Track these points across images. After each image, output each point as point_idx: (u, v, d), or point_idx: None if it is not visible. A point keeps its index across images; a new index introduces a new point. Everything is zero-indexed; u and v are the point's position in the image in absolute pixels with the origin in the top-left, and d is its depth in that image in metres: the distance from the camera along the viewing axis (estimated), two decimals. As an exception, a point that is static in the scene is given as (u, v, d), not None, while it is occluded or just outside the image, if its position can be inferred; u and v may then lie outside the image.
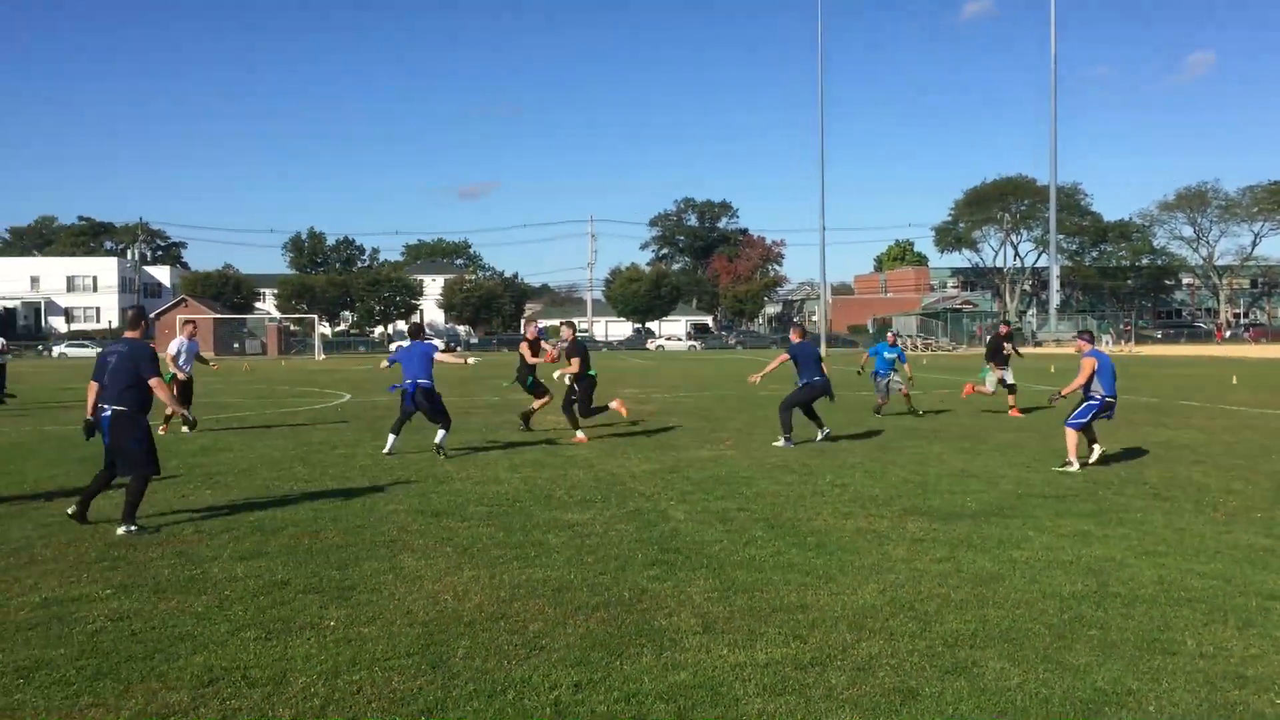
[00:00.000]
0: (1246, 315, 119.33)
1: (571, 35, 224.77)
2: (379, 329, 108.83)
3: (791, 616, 6.15)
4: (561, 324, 17.24)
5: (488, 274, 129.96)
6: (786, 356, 15.50)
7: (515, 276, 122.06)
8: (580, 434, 15.73)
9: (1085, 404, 12.53)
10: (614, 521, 9.14)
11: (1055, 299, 76.86)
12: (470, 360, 15.69)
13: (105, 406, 8.85)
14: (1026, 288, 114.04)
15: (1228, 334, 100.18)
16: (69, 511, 9.12)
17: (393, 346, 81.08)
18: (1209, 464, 12.65)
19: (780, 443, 14.78)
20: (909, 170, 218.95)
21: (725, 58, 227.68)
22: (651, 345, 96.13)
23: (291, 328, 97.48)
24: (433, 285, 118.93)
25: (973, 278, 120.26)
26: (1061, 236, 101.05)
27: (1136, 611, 6.21)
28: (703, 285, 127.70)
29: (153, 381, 8.93)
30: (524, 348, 17.13)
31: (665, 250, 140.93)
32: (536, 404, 17.34)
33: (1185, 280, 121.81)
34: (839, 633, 5.83)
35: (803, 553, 7.84)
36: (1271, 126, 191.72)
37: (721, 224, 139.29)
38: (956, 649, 5.53)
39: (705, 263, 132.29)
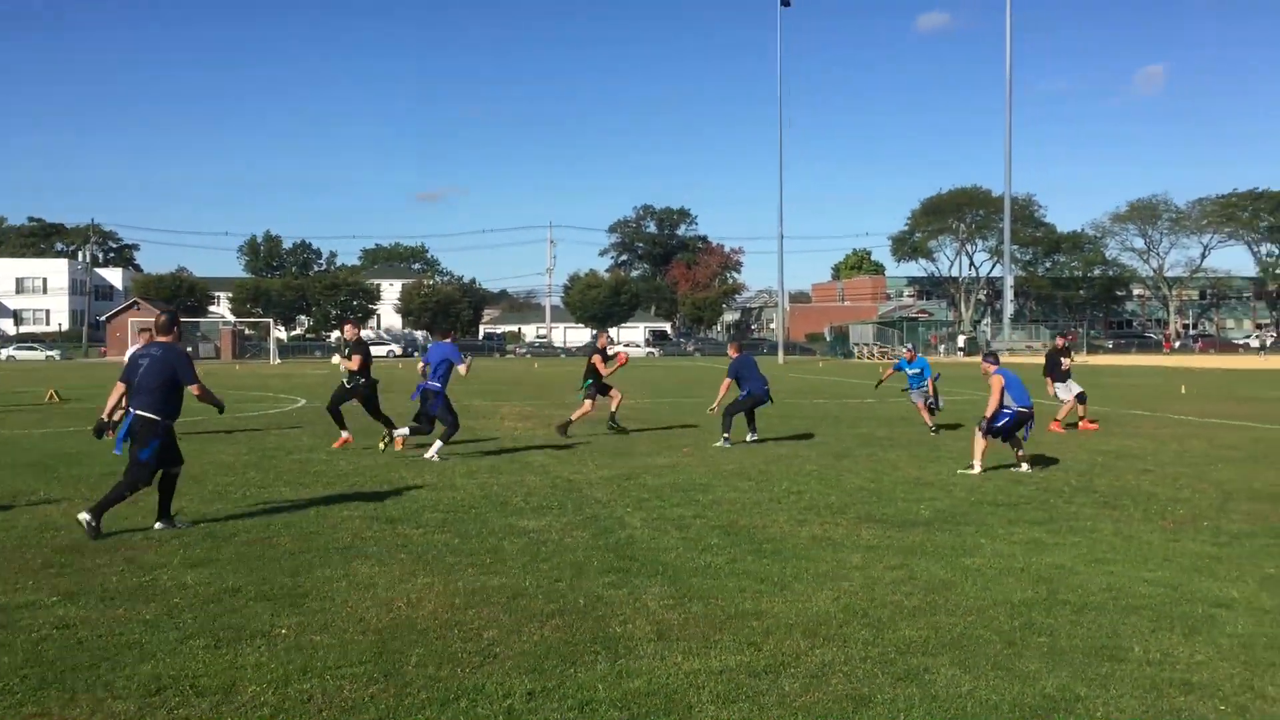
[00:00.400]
0: (1195, 326, 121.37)
1: (532, 41, 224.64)
2: (335, 333, 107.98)
3: (746, 624, 6.17)
4: (345, 325, 16.68)
5: (446, 279, 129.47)
6: (729, 380, 16.58)
7: (473, 282, 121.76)
8: (399, 432, 14.59)
9: (1000, 415, 12.89)
10: (570, 528, 9.13)
11: (1009, 309, 77.73)
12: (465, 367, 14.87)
13: (133, 410, 8.74)
14: (981, 297, 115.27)
15: (1177, 344, 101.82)
16: (157, 526, 8.91)
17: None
18: (1157, 473, 12.84)
19: (720, 443, 15.68)
20: (867, 180, 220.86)
21: (686, 66, 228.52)
22: (610, 352, 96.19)
23: (246, 332, 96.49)
24: (390, 290, 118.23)
25: (928, 287, 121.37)
26: (1016, 247, 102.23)
27: (1085, 619, 6.28)
28: (662, 292, 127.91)
29: (192, 388, 8.79)
30: (597, 360, 17.96)
31: (624, 257, 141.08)
32: (576, 414, 17.82)
33: (1136, 291, 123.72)
34: (793, 640, 5.85)
35: (758, 560, 7.87)
36: (1220, 141, 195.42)
37: (680, 231, 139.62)
38: (909, 656, 5.57)
39: (664, 270, 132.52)
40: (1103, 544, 8.52)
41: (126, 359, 16.95)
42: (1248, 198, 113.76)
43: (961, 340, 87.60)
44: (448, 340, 14.94)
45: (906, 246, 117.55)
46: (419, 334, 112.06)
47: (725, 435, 15.82)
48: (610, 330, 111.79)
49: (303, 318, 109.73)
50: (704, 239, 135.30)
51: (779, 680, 5.20)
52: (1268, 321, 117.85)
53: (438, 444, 13.91)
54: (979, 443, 12.94)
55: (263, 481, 11.95)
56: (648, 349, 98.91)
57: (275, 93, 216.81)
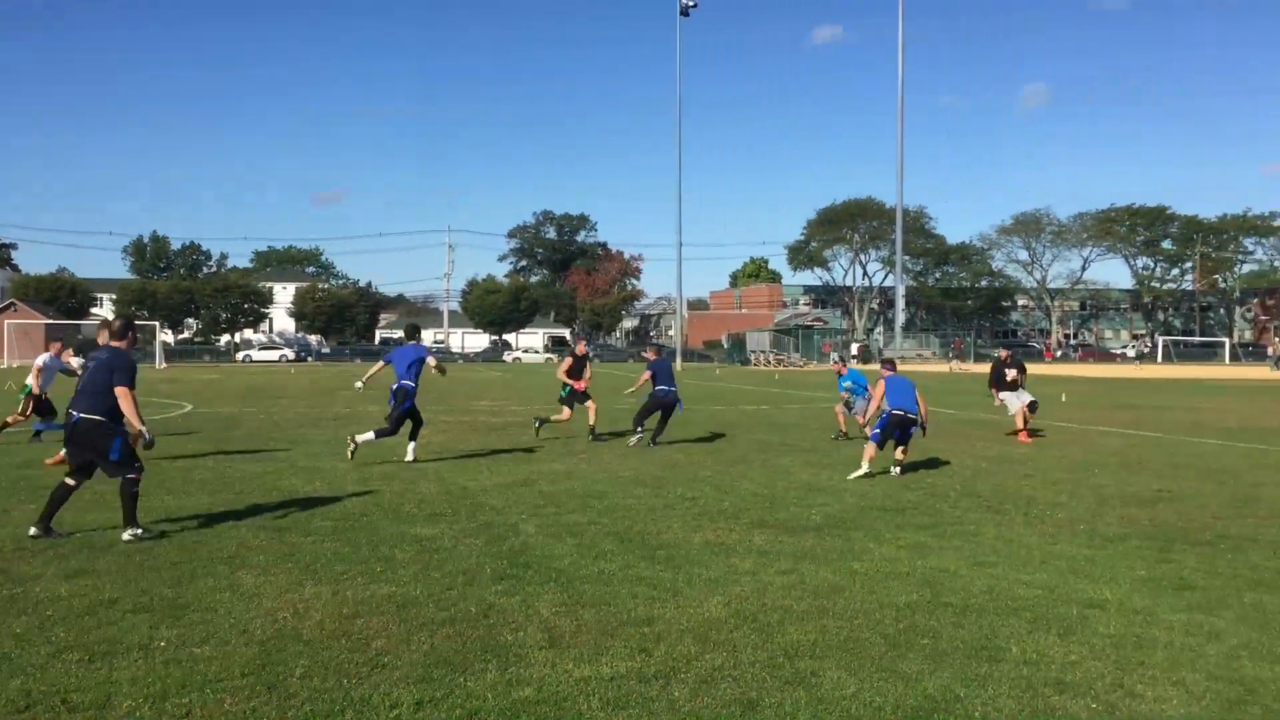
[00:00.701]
0: (1075, 336, 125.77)
1: (432, 42, 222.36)
2: (225, 337, 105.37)
3: (638, 630, 6.19)
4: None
5: (341, 283, 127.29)
6: (649, 373, 17.39)
7: (369, 285, 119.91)
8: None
9: (878, 419, 13.69)
10: (463, 535, 9.05)
11: (900, 317, 79.52)
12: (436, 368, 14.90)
13: (75, 412, 8.74)
14: (874, 306, 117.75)
15: (1058, 353, 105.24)
16: (31, 533, 8.76)
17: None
18: (1038, 478, 13.25)
19: (632, 441, 16.68)
20: (765, 189, 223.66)
21: (585, 73, 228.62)
22: (509, 358, 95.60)
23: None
24: (283, 293, 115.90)
25: (824, 295, 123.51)
26: (907, 257, 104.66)
27: (967, 620, 6.46)
28: (561, 298, 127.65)
29: (119, 390, 8.75)
30: (563, 368, 19.09)
31: (524, 262, 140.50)
32: (557, 417, 18.71)
33: (1020, 301, 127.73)
34: (684, 645, 5.89)
35: (652, 566, 7.90)
36: (1100, 157, 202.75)
37: (580, 237, 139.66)
38: (797, 659, 5.66)
39: (564, 276, 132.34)
40: (985, 547, 8.76)
41: (40, 364, 16.47)
42: (1125, 212, 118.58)
43: (855, 348, 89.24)
44: (413, 342, 14.94)
45: (803, 256, 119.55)
46: (313, 339, 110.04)
47: (638, 432, 16.89)
48: (510, 336, 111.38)
49: (191, 320, 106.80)
50: (604, 246, 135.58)
51: (669, 686, 5.23)
52: (1143, 332, 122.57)
53: (369, 434, 14.32)
54: (868, 447, 13.37)
55: (144, 489, 11.53)
56: (547, 355, 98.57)
57: (166, 90, 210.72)
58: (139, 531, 8.76)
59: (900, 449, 13.59)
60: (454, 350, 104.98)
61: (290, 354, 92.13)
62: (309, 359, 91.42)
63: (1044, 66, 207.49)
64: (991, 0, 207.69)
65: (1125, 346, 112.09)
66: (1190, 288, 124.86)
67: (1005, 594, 7.14)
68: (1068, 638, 6.13)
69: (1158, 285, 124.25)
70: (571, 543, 8.78)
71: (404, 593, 7.01)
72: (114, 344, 9.13)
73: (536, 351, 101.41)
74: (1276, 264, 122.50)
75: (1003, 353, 20.48)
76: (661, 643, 5.94)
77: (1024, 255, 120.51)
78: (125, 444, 8.88)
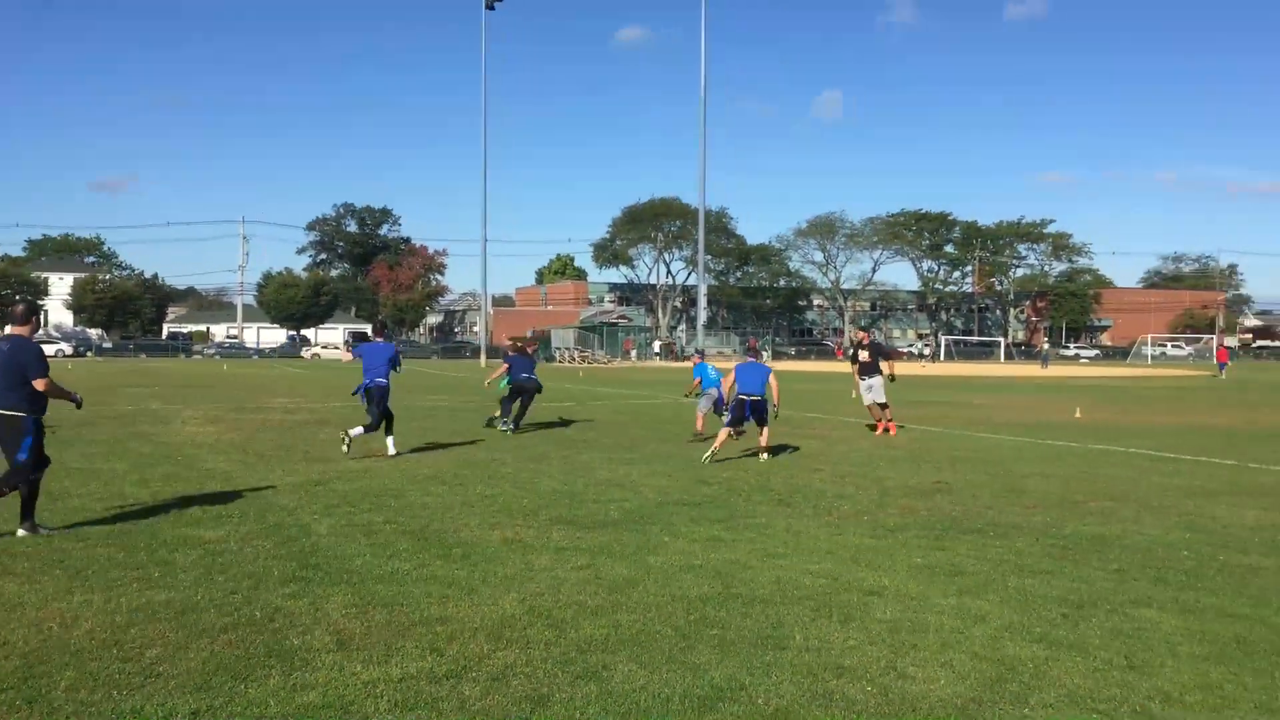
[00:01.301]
0: (854, 334, 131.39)
1: (225, 28, 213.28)
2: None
3: (431, 629, 6.12)
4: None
5: (125, 273, 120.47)
6: (506, 365, 19.48)
7: (155, 277, 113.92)
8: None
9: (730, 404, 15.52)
10: (250, 537, 8.73)
11: (703, 316, 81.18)
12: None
13: None
14: (677, 304, 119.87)
15: (850, 351, 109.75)
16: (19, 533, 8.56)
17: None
18: (827, 471, 13.79)
19: (502, 427, 18.49)
20: (571, 187, 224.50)
21: (388, 65, 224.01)
22: (307, 353, 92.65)
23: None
24: (60, 284, 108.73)
25: (628, 293, 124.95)
26: (709, 257, 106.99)
27: (754, 611, 6.66)
28: (363, 293, 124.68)
29: (38, 382, 8.44)
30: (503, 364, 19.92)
31: (324, 256, 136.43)
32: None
33: (816, 301, 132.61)
34: (477, 643, 5.86)
35: (447, 565, 7.82)
36: (890, 166, 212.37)
37: (383, 231, 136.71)
38: (589, 654, 5.71)
39: (365, 270, 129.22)
40: (775, 539, 9.05)
41: None
42: (912, 217, 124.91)
43: (657, 345, 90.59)
44: (380, 339, 15.57)
45: (608, 254, 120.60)
46: (93, 332, 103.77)
47: (505, 419, 18.70)
48: (308, 331, 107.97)
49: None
50: (407, 240, 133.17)
51: (460, 685, 5.19)
52: (928, 332, 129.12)
53: (358, 429, 14.53)
54: (721, 432, 15.23)
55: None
56: (347, 351, 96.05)
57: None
58: (40, 529, 8.69)
59: (761, 432, 15.16)
60: (248, 346, 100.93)
61: (68, 349, 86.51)
62: (89, 354, 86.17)
63: (837, 74, 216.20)
64: (788, 12, 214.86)
65: (911, 345, 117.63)
66: (970, 290, 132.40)
67: (792, 584, 7.39)
68: (848, 624, 6.40)
69: (941, 287, 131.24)
70: (365, 542, 8.59)
71: (184, 598, 6.70)
72: (16, 331, 8.80)
73: (336, 347, 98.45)
74: (1047, 268, 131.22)
75: (859, 334, 21.11)
76: (454, 641, 5.88)
77: (819, 257, 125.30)
78: (37, 443, 8.64)
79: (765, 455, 14.93)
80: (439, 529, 9.26)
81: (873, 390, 19.50)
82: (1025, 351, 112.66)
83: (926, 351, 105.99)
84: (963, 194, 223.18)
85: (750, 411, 15.11)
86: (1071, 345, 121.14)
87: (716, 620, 6.41)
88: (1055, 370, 67.20)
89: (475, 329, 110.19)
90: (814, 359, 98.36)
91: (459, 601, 6.76)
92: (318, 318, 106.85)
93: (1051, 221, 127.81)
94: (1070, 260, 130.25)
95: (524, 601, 6.78)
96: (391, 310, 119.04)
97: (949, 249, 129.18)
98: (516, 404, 18.96)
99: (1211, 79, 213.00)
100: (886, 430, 19.19)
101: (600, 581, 7.37)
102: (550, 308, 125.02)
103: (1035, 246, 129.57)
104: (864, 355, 19.85)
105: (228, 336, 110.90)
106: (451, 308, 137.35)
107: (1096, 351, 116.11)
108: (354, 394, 15.52)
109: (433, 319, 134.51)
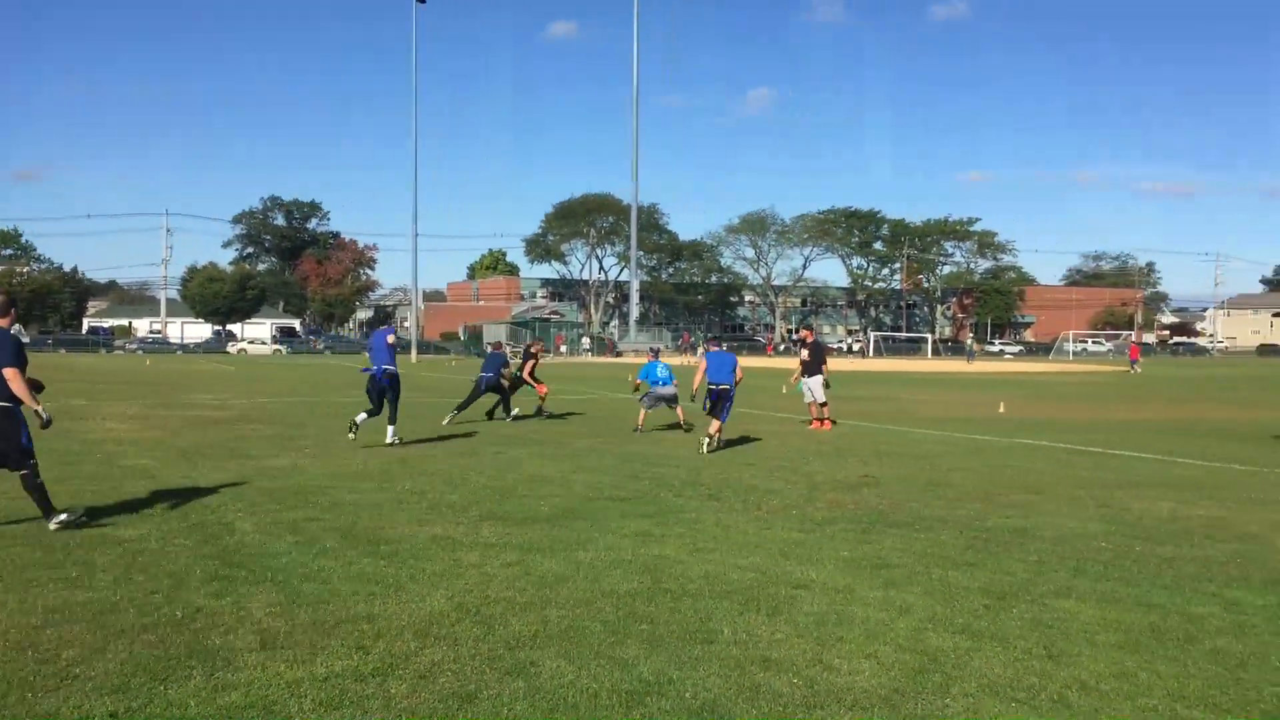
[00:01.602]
0: (797, 331, 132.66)
1: (149, 16, 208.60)
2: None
3: (357, 627, 6.05)
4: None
5: (44, 266, 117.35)
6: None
7: (75, 271, 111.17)
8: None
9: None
10: (172, 536, 8.56)
11: (635, 311, 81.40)
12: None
13: None
14: (610, 300, 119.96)
15: (782, 347, 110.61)
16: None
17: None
18: (757, 466, 13.89)
19: (447, 420, 18.89)
20: (503, 182, 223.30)
21: (317, 58, 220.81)
22: (233, 349, 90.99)
23: None
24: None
25: (561, 289, 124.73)
26: (642, 253, 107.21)
27: (683, 605, 6.69)
28: (291, 287, 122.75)
29: (7, 372, 8.35)
30: (527, 367, 21.89)
31: (250, 249, 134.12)
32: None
33: (748, 298, 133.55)
34: (404, 641, 5.81)
35: (375, 562, 7.75)
36: (820, 165, 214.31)
37: (311, 225, 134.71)
38: (517, 650, 5.69)
39: (294, 264, 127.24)
40: (705, 534, 9.10)
41: None
42: (842, 214, 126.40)
43: (586, 341, 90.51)
44: (384, 327, 16.81)
45: (540, 249, 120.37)
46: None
47: (454, 412, 19.55)
48: (234, 326, 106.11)
49: None
50: (336, 234, 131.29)
51: (386, 683, 5.15)
52: (857, 328, 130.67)
53: (361, 416, 15.56)
54: (713, 423, 15.79)
55: None
56: (275, 346, 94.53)
57: None
58: (63, 516, 8.75)
59: (715, 423, 15.68)
60: (172, 341, 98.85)
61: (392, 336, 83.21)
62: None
63: (767, 72, 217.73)
64: (718, 10, 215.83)
65: (841, 341, 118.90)
66: (898, 287, 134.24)
67: (720, 578, 7.44)
68: (775, 617, 6.46)
69: (870, 284, 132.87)
70: (290, 540, 8.47)
71: (102, 599, 6.56)
72: None
73: (264, 343, 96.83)
74: (973, 266, 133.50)
75: (803, 332, 21.55)
76: (381, 639, 5.83)
77: (750, 253, 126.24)
78: (28, 430, 8.68)
79: (707, 443, 15.29)
80: (367, 526, 9.17)
81: (812, 389, 19.72)
82: (952, 347, 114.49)
83: (856, 347, 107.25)
84: (890, 192, 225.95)
85: (717, 400, 15.88)
86: (996, 341, 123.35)
87: (645, 615, 6.43)
88: (981, 366, 68.42)
89: (406, 324, 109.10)
90: (745, 354, 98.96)
91: (386, 599, 6.70)
92: (244, 312, 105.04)
93: (977, 220, 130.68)
94: (995, 258, 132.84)
95: (452, 598, 6.73)
96: (320, 305, 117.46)
97: (878, 246, 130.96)
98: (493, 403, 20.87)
99: (1129, 82, 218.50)
100: (821, 426, 19.39)
101: (529, 577, 7.36)
102: (482, 303, 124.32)
103: (961, 244, 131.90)
104: (805, 354, 20.09)
105: (151, 331, 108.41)
106: (382, 303, 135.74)
107: (1020, 347, 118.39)
108: (362, 371, 16.68)
109: (363, 314, 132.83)
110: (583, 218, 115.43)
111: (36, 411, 8.60)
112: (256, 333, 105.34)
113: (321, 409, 23.09)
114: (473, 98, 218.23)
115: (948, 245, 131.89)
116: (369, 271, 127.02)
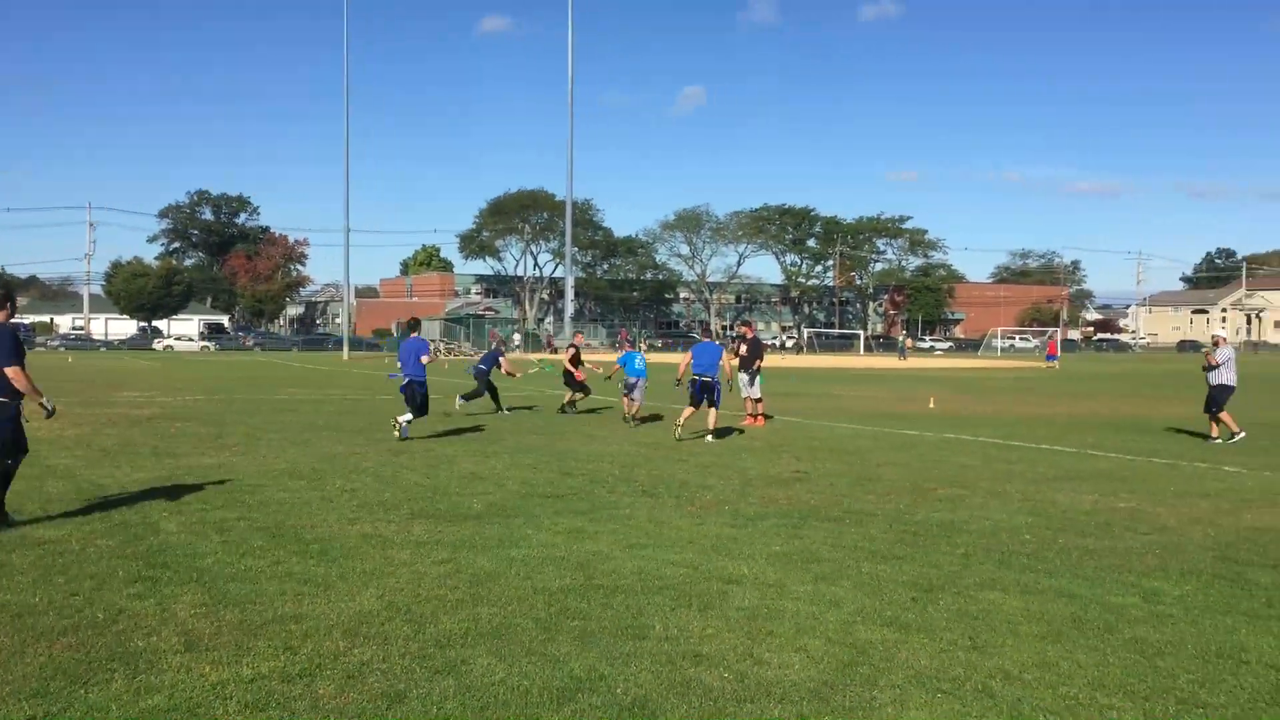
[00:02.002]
0: (731, 327, 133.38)
1: (71, 9, 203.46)
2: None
3: (285, 628, 5.98)
4: None
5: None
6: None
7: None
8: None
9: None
10: (94, 536, 8.38)
11: (570, 308, 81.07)
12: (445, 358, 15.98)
13: None
14: (545, 296, 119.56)
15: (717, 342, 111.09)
16: None
17: None
18: (691, 462, 13.94)
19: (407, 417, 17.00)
20: (437, 177, 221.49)
21: (247, 50, 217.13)
22: (159, 345, 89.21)
23: None
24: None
25: (495, 285, 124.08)
26: (576, 249, 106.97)
27: (616, 601, 6.70)
28: (219, 283, 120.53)
29: (10, 370, 8.21)
30: (568, 360, 22.19)
31: (177, 244, 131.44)
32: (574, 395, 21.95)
33: (683, 294, 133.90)
34: (332, 641, 5.75)
35: (303, 561, 7.65)
36: (753, 161, 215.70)
37: (240, 220, 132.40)
38: (448, 649, 5.66)
39: (222, 260, 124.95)
40: (638, 530, 9.12)
41: None
42: (776, 212, 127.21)
43: (517, 338, 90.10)
44: (415, 335, 16.78)
45: (474, 245, 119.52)
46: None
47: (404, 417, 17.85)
48: (160, 322, 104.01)
49: None
50: (266, 229, 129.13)
51: (314, 683, 5.09)
52: (790, 324, 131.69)
53: (409, 415, 16.08)
54: (685, 410, 16.76)
55: None
56: (203, 343, 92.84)
57: None
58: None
59: (711, 414, 16.51)
60: (96, 338, 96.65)
61: (429, 345, 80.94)
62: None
63: (700, 70, 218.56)
64: (652, 9, 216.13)
65: (775, 338, 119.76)
66: (832, 284, 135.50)
67: (653, 574, 7.46)
68: (707, 612, 6.49)
69: (804, 281, 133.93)
70: (217, 540, 8.34)
71: (20, 601, 6.40)
72: None
73: (191, 339, 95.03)
74: (904, 263, 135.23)
75: (743, 328, 21.50)
76: (309, 639, 5.76)
77: (685, 250, 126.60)
78: (17, 426, 8.60)
79: (710, 438, 15.99)
80: (295, 525, 9.05)
81: (749, 385, 19.83)
82: (884, 344, 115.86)
83: (789, 344, 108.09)
84: (824, 190, 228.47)
85: (701, 391, 16.39)
86: (927, 338, 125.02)
87: (577, 611, 6.43)
88: (912, 362, 69.32)
89: (338, 320, 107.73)
90: (680, 351, 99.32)
91: (314, 598, 6.62)
92: (170, 309, 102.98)
93: (909, 218, 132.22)
94: (925, 255, 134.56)
95: (382, 597, 6.68)
96: (250, 301, 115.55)
97: (811, 244, 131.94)
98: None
99: (1058, 83, 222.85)
100: (755, 421, 19.53)
101: (461, 575, 7.32)
102: (416, 299, 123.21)
103: (893, 242, 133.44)
104: (743, 350, 20.19)
105: (73, 328, 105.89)
106: (313, 299, 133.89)
107: (950, 344, 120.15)
108: (390, 379, 17.20)
109: (294, 310, 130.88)
110: (517, 214, 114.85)
111: (41, 403, 8.61)
112: (184, 329, 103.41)
113: (246, 406, 22.73)
114: (406, 93, 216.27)
115: (880, 243, 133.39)
116: (300, 267, 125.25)
